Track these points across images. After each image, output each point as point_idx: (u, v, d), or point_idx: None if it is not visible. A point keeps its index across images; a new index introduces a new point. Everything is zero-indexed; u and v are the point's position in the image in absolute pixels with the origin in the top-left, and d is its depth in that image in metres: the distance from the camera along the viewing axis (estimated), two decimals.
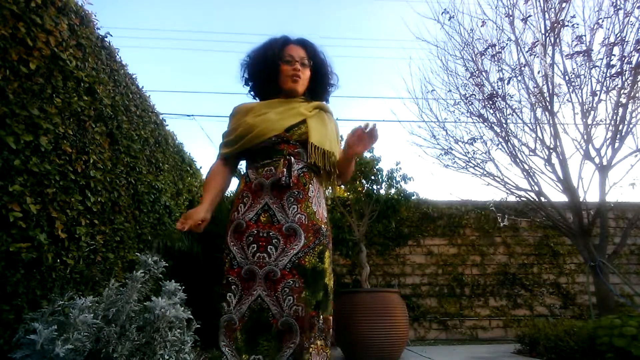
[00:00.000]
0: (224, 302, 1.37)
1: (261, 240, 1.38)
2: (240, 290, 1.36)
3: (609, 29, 3.87)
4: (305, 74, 1.61)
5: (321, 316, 1.36)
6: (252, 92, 1.71)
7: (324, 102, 1.68)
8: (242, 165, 1.74)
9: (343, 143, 1.55)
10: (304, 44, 1.64)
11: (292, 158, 1.46)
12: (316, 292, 1.35)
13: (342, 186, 4.61)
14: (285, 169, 1.43)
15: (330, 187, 1.62)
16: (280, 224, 1.40)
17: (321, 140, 1.51)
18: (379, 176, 4.41)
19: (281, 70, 1.58)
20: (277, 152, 1.48)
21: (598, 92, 3.92)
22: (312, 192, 1.47)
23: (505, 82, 4.39)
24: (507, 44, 4.38)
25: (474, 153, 4.72)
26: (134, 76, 2.87)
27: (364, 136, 1.48)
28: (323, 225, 1.46)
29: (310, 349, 1.30)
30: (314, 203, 1.46)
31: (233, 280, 1.38)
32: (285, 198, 1.42)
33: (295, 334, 1.30)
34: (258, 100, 1.68)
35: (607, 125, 3.96)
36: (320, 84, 1.68)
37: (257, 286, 1.34)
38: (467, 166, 4.77)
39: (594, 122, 4.01)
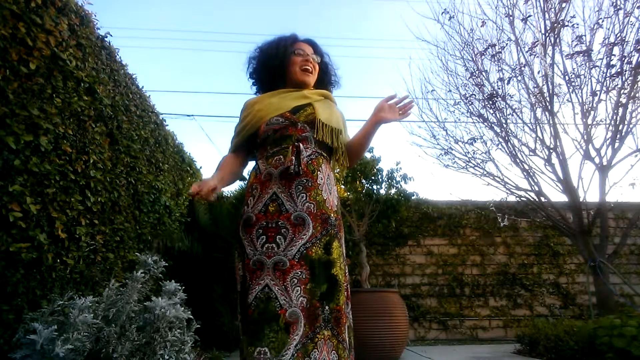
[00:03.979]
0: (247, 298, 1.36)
1: (270, 231, 1.38)
2: (249, 281, 1.35)
3: (609, 29, 3.88)
4: (316, 68, 1.67)
5: (326, 307, 1.34)
6: (256, 85, 1.74)
7: (329, 93, 1.72)
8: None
9: (374, 108, 1.56)
10: (312, 43, 1.71)
11: (301, 145, 1.46)
12: (321, 284, 1.34)
13: (342, 186, 4.61)
14: (293, 157, 1.42)
15: (337, 167, 1.63)
16: (288, 213, 1.39)
17: (328, 118, 1.53)
18: (379, 176, 4.41)
19: (292, 62, 1.63)
20: (285, 138, 1.49)
21: (598, 92, 3.92)
22: (321, 179, 1.47)
23: (505, 82, 4.39)
24: (507, 44, 4.38)
25: (474, 153, 4.72)
26: (134, 76, 2.87)
27: (395, 107, 1.52)
28: (332, 215, 1.45)
29: (316, 339, 1.30)
30: (324, 190, 1.46)
31: (247, 275, 1.38)
32: (294, 187, 1.42)
33: (300, 325, 1.29)
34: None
35: (607, 125, 3.96)
36: (323, 83, 1.73)
37: (264, 275, 1.33)
38: (467, 166, 4.77)
39: (594, 122, 4.01)
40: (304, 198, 1.41)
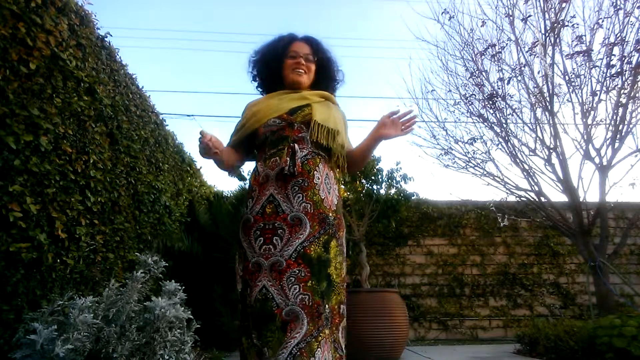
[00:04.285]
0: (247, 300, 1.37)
1: (267, 232, 1.39)
2: (249, 283, 1.37)
3: (609, 29, 3.87)
4: (310, 69, 1.65)
5: (326, 305, 1.35)
6: (259, 88, 1.75)
7: (330, 94, 1.71)
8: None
9: (376, 124, 1.55)
10: (309, 41, 1.69)
11: (296, 145, 1.46)
12: (320, 282, 1.35)
13: (342, 186, 4.61)
14: (288, 158, 1.43)
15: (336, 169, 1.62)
16: (285, 214, 1.40)
17: (325, 119, 1.52)
18: (379, 176, 4.41)
19: (285, 65, 1.63)
20: (282, 139, 1.49)
21: (598, 92, 3.92)
22: (318, 178, 1.46)
23: (505, 82, 4.39)
24: (507, 44, 4.38)
25: (474, 153, 4.72)
26: (134, 76, 2.87)
27: (398, 123, 1.51)
28: (330, 214, 1.44)
29: (320, 338, 1.29)
30: (322, 190, 1.45)
31: (246, 277, 1.39)
32: (290, 187, 1.42)
33: (302, 323, 1.28)
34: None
35: (607, 125, 3.96)
36: (324, 80, 1.71)
37: (262, 277, 1.34)
38: (467, 166, 4.76)
39: (594, 122, 4.01)
40: (301, 198, 1.41)
